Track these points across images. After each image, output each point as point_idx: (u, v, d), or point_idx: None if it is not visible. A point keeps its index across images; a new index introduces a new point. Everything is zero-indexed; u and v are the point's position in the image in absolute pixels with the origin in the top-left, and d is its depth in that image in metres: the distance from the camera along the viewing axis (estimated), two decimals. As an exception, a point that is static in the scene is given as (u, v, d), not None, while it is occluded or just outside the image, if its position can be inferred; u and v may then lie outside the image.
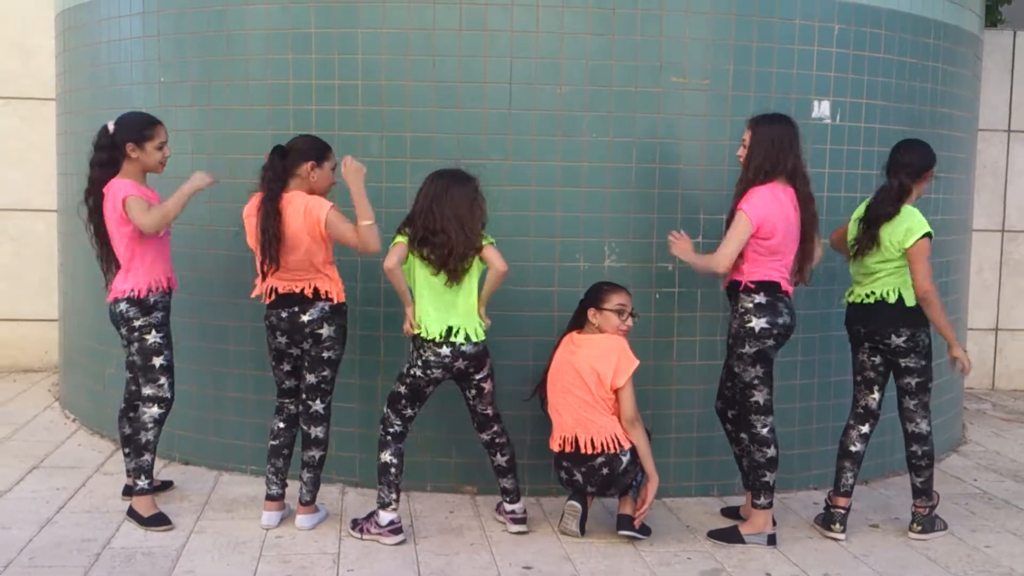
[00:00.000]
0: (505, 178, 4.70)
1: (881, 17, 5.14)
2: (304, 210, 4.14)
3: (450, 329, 4.17)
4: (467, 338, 4.18)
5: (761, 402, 4.26)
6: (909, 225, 4.28)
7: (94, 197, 4.38)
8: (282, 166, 4.22)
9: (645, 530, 4.40)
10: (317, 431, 4.37)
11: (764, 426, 4.28)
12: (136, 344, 4.41)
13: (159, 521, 4.36)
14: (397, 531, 4.26)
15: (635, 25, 4.74)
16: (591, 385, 4.21)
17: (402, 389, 4.27)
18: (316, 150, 4.26)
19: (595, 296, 4.32)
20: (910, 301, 4.32)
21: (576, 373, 4.23)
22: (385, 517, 4.26)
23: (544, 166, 4.77)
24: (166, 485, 4.86)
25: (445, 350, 4.17)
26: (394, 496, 4.26)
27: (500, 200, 4.55)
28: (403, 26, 4.75)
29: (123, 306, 4.40)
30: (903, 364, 4.39)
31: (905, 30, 5.26)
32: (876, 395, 4.50)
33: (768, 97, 4.87)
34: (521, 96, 4.74)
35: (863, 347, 4.47)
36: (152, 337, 4.39)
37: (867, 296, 4.39)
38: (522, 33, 4.71)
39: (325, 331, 4.25)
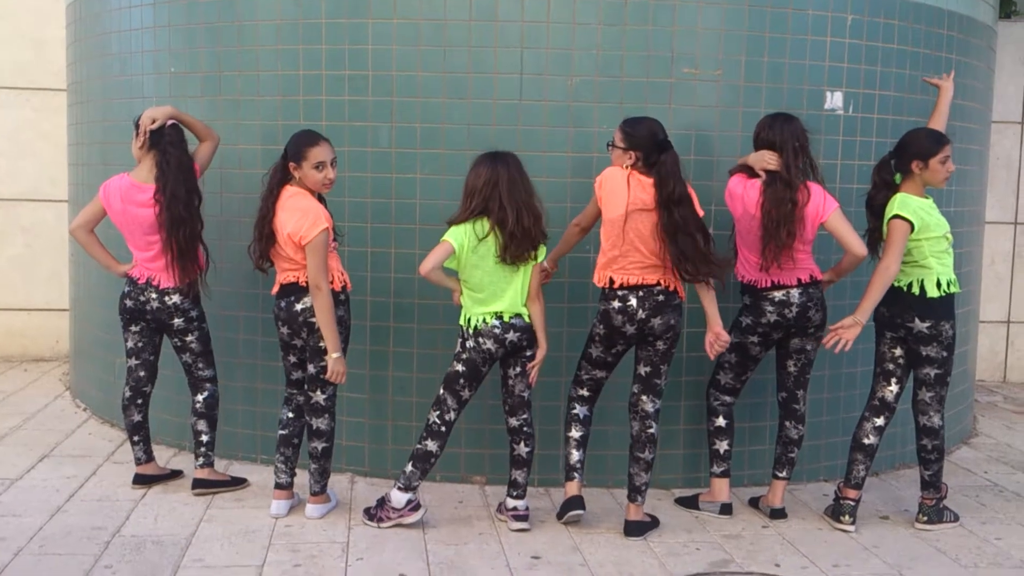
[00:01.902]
0: (515, 169, 4.69)
1: (895, 7, 5.11)
2: (296, 218, 4.14)
3: (495, 313, 4.19)
4: (517, 315, 4.21)
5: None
6: (890, 209, 4.31)
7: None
8: (284, 163, 4.25)
9: (654, 522, 4.40)
10: (319, 422, 4.37)
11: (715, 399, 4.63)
12: (196, 332, 4.60)
13: (237, 482, 4.76)
14: (417, 507, 4.30)
15: (647, 15, 4.72)
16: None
17: (459, 367, 4.24)
18: (292, 149, 4.23)
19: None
20: (932, 292, 4.31)
21: (653, 224, 4.14)
22: (401, 498, 4.27)
23: (554, 157, 4.76)
24: (176, 474, 4.88)
25: (495, 321, 4.17)
26: (421, 483, 4.29)
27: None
28: (414, 16, 4.74)
29: (176, 298, 4.49)
30: (924, 353, 4.37)
31: (919, 21, 5.22)
32: (894, 388, 4.48)
33: (780, 88, 4.86)
34: (531, 87, 4.73)
35: (885, 337, 4.46)
36: (205, 324, 4.64)
37: (895, 280, 4.37)
38: (533, 23, 4.70)
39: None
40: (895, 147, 4.45)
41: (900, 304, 4.35)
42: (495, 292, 4.18)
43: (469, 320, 4.21)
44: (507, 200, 4.09)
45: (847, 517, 4.46)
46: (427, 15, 4.73)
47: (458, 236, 4.12)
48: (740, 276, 4.49)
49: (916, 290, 4.33)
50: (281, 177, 4.25)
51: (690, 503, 4.67)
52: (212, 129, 4.64)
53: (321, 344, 4.24)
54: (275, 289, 4.34)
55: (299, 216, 4.15)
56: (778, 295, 4.36)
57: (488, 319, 4.18)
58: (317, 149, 4.20)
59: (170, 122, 4.45)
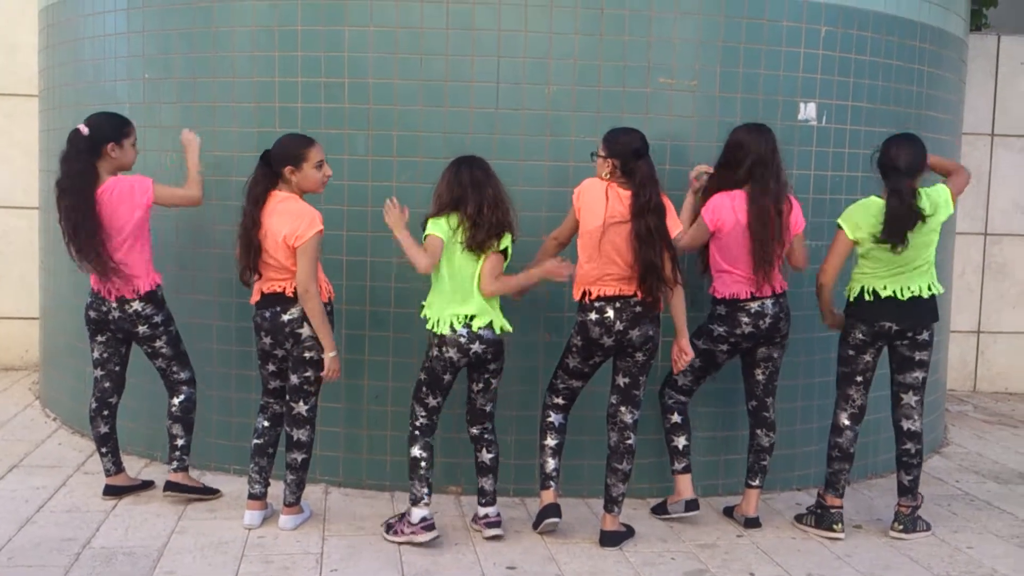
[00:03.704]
0: (492, 177, 4.69)
1: (867, 19, 5.16)
2: (291, 221, 4.13)
3: (467, 317, 4.16)
4: (488, 325, 4.18)
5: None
6: (941, 201, 4.42)
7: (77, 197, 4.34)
8: (266, 170, 4.21)
9: (630, 531, 4.40)
10: (299, 434, 4.34)
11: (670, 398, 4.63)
12: (164, 337, 4.53)
13: (210, 491, 4.70)
14: (430, 527, 4.21)
15: (623, 25, 4.74)
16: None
17: (422, 376, 4.24)
18: (292, 152, 4.21)
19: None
20: (938, 291, 4.44)
21: (628, 235, 4.14)
22: (417, 514, 4.22)
23: (531, 166, 4.76)
24: (147, 485, 4.82)
25: (463, 330, 4.15)
26: (426, 491, 4.21)
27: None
28: (390, 24, 4.73)
29: (137, 305, 4.42)
30: (918, 358, 4.45)
31: (891, 33, 5.28)
32: (868, 395, 4.56)
33: (755, 99, 4.89)
34: (509, 96, 4.73)
35: (873, 347, 4.48)
36: (173, 326, 4.56)
37: (901, 291, 4.38)
38: (510, 32, 4.71)
39: (306, 330, 4.22)
40: (881, 164, 4.40)
41: (916, 314, 4.40)
42: (460, 283, 4.16)
43: (438, 323, 4.19)
44: (471, 195, 4.11)
45: (839, 525, 4.49)
46: (404, 23, 4.73)
47: (440, 227, 4.14)
48: (719, 293, 4.45)
49: (927, 294, 4.42)
50: (265, 186, 4.22)
51: (661, 509, 4.67)
52: (198, 186, 4.55)
53: (306, 355, 4.22)
54: (255, 298, 4.29)
55: (294, 219, 4.14)
56: (754, 306, 4.39)
57: (457, 325, 4.17)
58: (315, 149, 4.24)
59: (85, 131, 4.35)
